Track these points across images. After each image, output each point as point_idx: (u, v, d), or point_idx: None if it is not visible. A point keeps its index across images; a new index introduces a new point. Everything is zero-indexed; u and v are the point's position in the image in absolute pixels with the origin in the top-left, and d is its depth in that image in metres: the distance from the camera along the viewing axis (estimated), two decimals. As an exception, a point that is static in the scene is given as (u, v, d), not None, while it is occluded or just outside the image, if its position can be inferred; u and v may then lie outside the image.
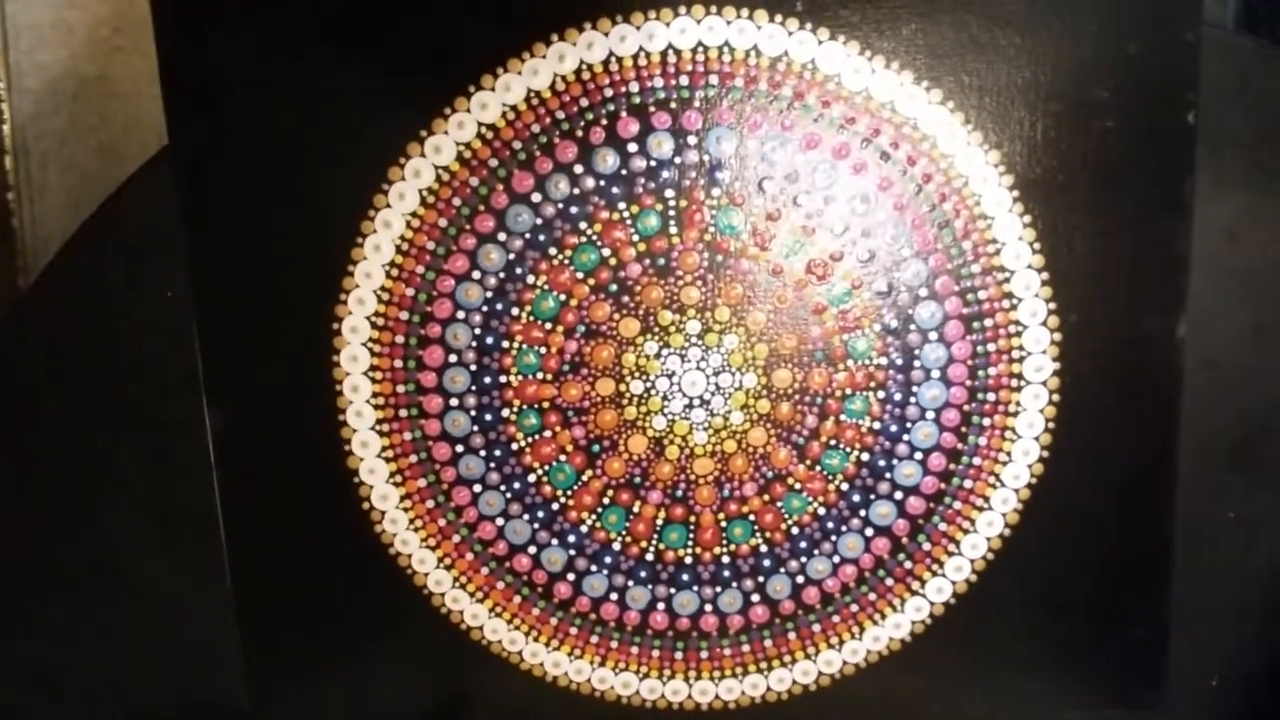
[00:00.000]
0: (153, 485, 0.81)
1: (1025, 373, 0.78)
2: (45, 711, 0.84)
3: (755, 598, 0.82)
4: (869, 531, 0.81)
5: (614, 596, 0.82)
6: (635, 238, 0.75)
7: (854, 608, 0.83)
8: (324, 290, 0.76)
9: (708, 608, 0.82)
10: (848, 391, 0.78)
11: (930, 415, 0.79)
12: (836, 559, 0.81)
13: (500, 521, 0.80)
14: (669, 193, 0.74)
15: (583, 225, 0.74)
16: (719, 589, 0.82)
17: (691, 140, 0.73)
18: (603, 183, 0.74)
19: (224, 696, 0.83)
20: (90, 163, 0.93)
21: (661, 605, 0.82)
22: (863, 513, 0.80)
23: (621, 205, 0.74)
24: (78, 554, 0.82)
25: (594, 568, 0.82)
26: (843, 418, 0.78)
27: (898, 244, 0.75)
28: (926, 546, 0.81)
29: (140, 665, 0.84)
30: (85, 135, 0.94)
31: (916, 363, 0.77)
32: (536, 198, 0.74)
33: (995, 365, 0.77)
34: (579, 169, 0.74)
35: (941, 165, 0.74)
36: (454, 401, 0.78)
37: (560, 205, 0.74)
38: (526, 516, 0.80)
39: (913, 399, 0.78)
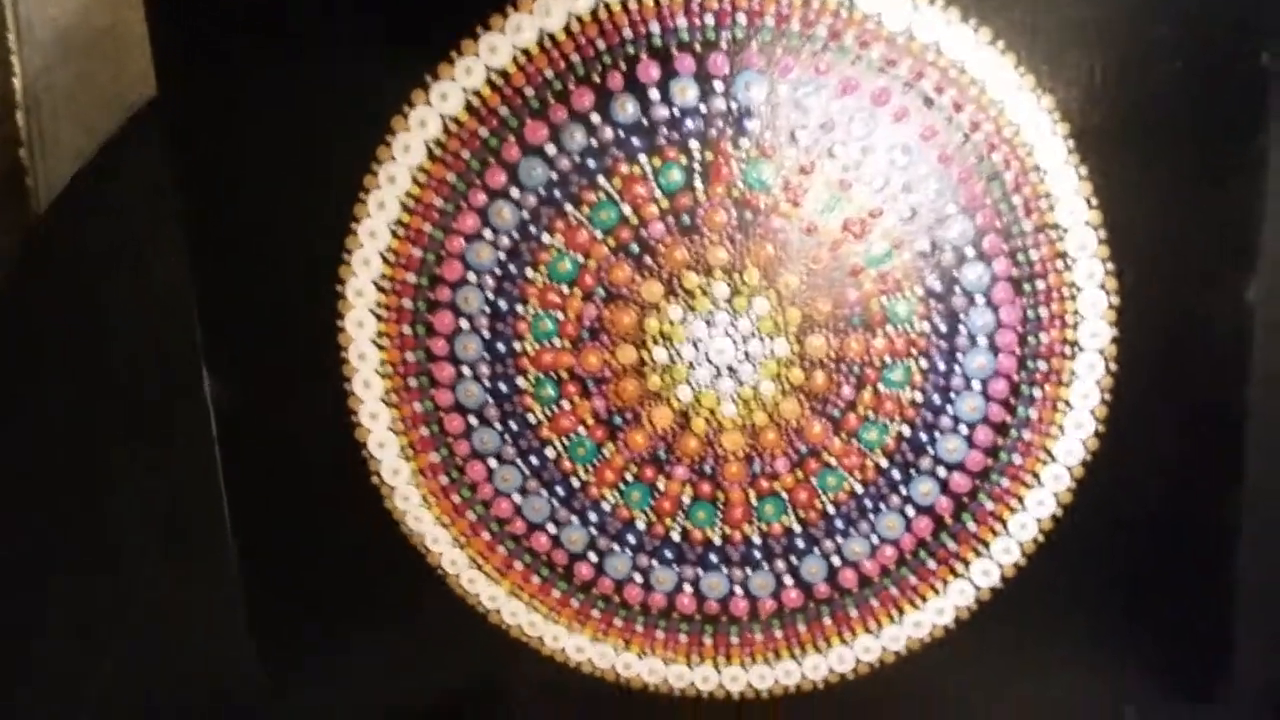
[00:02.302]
0: (155, 460, 0.81)
1: (1080, 339, 0.72)
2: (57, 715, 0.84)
3: (788, 580, 0.78)
4: (909, 510, 0.76)
5: (638, 578, 0.79)
6: (658, 193, 0.70)
7: (893, 591, 0.78)
8: (327, 252, 0.73)
9: (738, 590, 0.78)
10: (887, 360, 0.73)
11: (976, 386, 0.73)
12: (875, 539, 0.77)
13: (517, 498, 0.77)
14: (693, 144, 0.69)
15: (601, 180, 0.70)
16: (749, 571, 0.78)
17: (718, 86, 0.68)
18: (622, 133, 0.69)
19: (238, 689, 0.83)
20: (102, 117, 0.90)
21: (689, 587, 0.78)
22: (903, 490, 0.76)
23: (642, 158, 0.70)
24: (80, 544, 0.81)
25: (617, 547, 0.78)
26: (881, 388, 0.74)
27: (942, 199, 0.70)
28: (971, 527, 0.77)
29: (149, 657, 0.84)
30: (97, 88, 0.90)
31: (962, 328, 0.72)
32: (551, 150, 0.70)
33: (1047, 331, 0.72)
34: (596, 118, 0.69)
35: (990, 112, 0.69)
36: (466, 370, 0.74)
37: (576, 158, 0.70)
38: (545, 493, 0.77)
39: (957, 368, 0.73)
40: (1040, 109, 0.69)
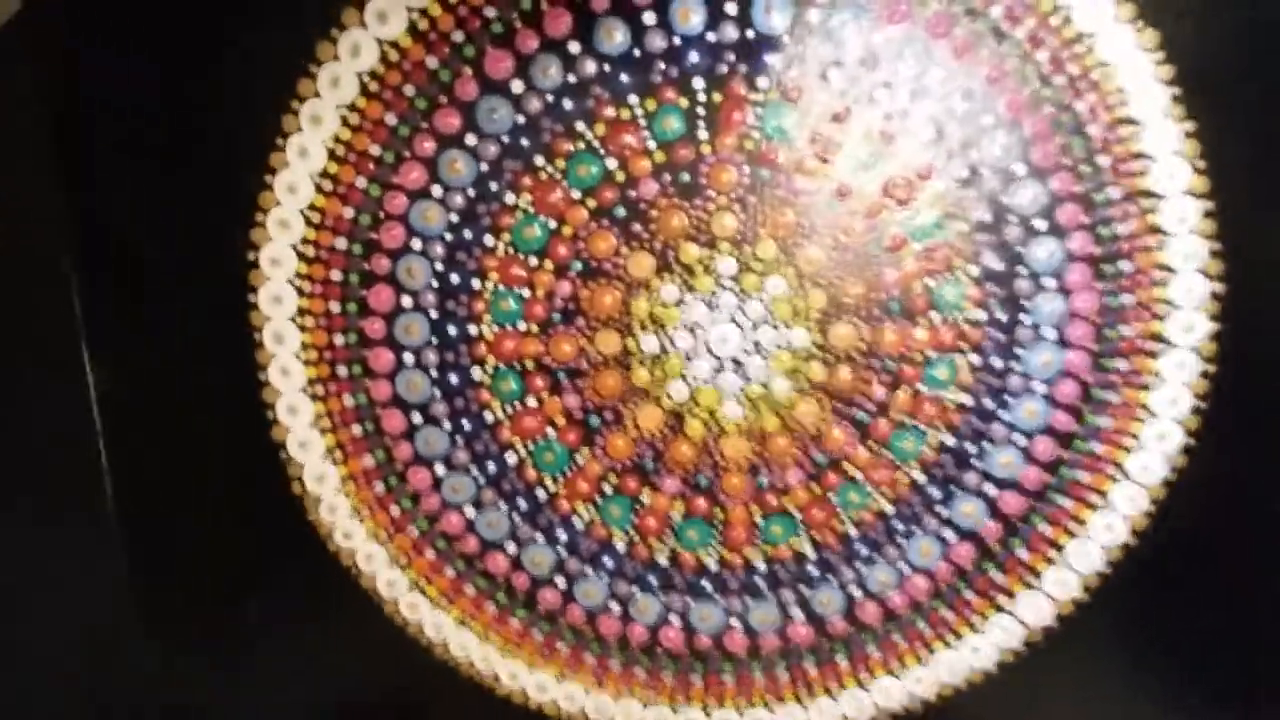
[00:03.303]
0: (32, 458, 0.75)
1: (1169, 333, 0.67)
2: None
3: (797, 613, 0.74)
4: (948, 534, 0.72)
5: (615, 607, 0.75)
6: (651, 144, 0.66)
7: (923, 628, 0.74)
8: (233, 208, 0.68)
9: (735, 624, 0.74)
10: (930, 354, 0.68)
11: (1038, 387, 0.69)
12: (904, 568, 0.73)
13: (470, 512, 0.73)
14: (697, 83, 0.65)
15: (580, 126, 0.66)
16: (750, 601, 0.74)
17: (730, 9, 0.64)
18: (608, 67, 0.65)
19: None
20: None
21: (676, 619, 0.74)
22: (942, 510, 0.71)
23: (633, 99, 0.65)
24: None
25: (590, 571, 0.74)
26: (921, 388, 0.69)
27: (1008, 158, 0.65)
28: (1023, 555, 0.72)
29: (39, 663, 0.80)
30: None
31: (1024, 318, 0.67)
32: (517, 87, 0.66)
33: (1130, 323, 0.67)
34: (575, 47, 0.65)
35: (1076, 49, 0.63)
36: (409, 358, 0.71)
37: (550, 98, 0.66)
38: (504, 506, 0.73)
39: (1016, 366, 0.68)
40: (1140, 46, 0.64)
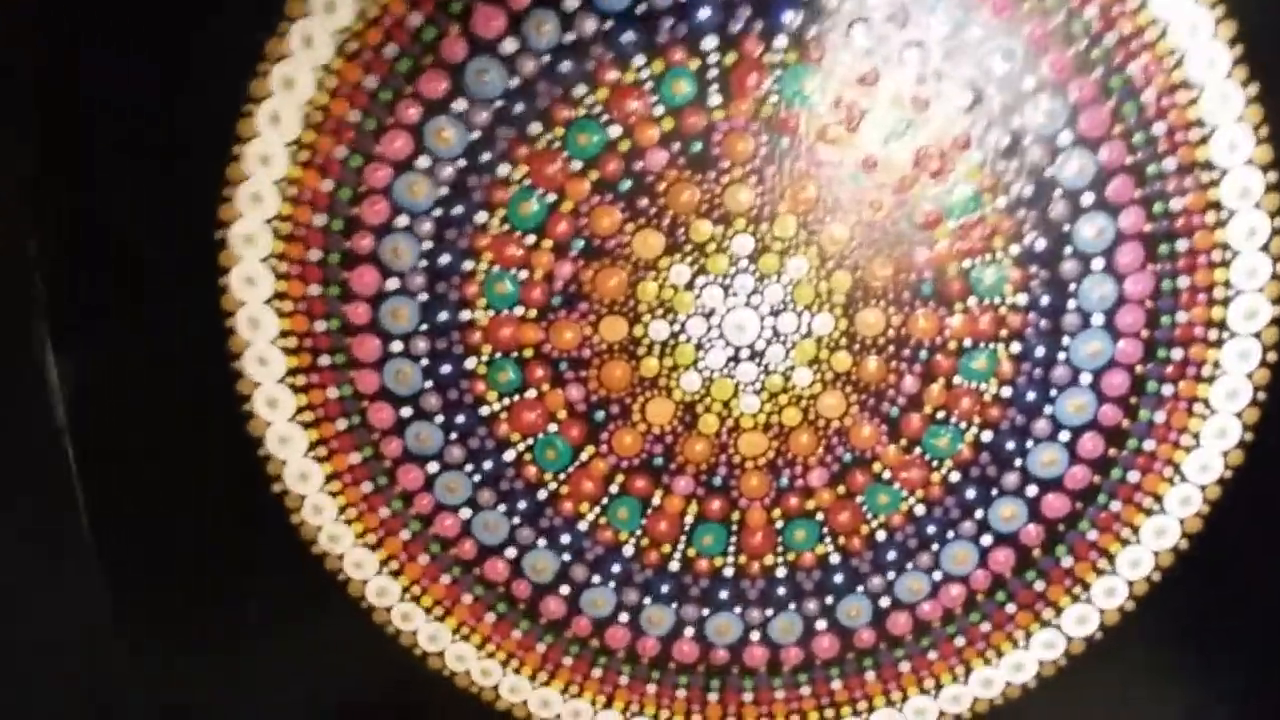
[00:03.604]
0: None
1: (1230, 320, 0.66)
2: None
3: (821, 624, 0.73)
4: (986, 539, 0.71)
5: (624, 617, 0.73)
6: (659, 110, 0.63)
7: (959, 641, 0.73)
8: (202, 181, 0.65)
9: (754, 636, 0.73)
10: (966, 343, 0.67)
11: (1086, 379, 0.67)
12: (938, 576, 0.71)
13: (466, 514, 0.71)
14: (708, 42, 0.62)
15: (580, 91, 0.63)
16: (770, 612, 0.72)
17: None
18: (610, 25, 0.62)
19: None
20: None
21: (690, 631, 0.73)
22: (979, 513, 0.70)
23: (638, 60, 0.62)
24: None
25: (597, 578, 0.72)
26: (958, 380, 0.68)
27: (1053, 125, 0.62)
28: (1067, 562, 0.71)
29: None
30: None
31: (1071, 303, 0.66)
32: (510, 46, 0.62)
33: (1187, 309, 0.66)
34: (573, 3, 0.62)
35: (1128, 4, 0.61)
36: (397, 346, 0.68)
37: (546, 59, 0.63)
38: (503, 507, 0.71)
39: (1062, 355, 0.67)
40: (1198, 1, 0.61)
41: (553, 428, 0.69)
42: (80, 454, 0.69)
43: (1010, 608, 0.72)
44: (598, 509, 0.70)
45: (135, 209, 0.65)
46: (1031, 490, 0.70)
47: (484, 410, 0.69)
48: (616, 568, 0.71)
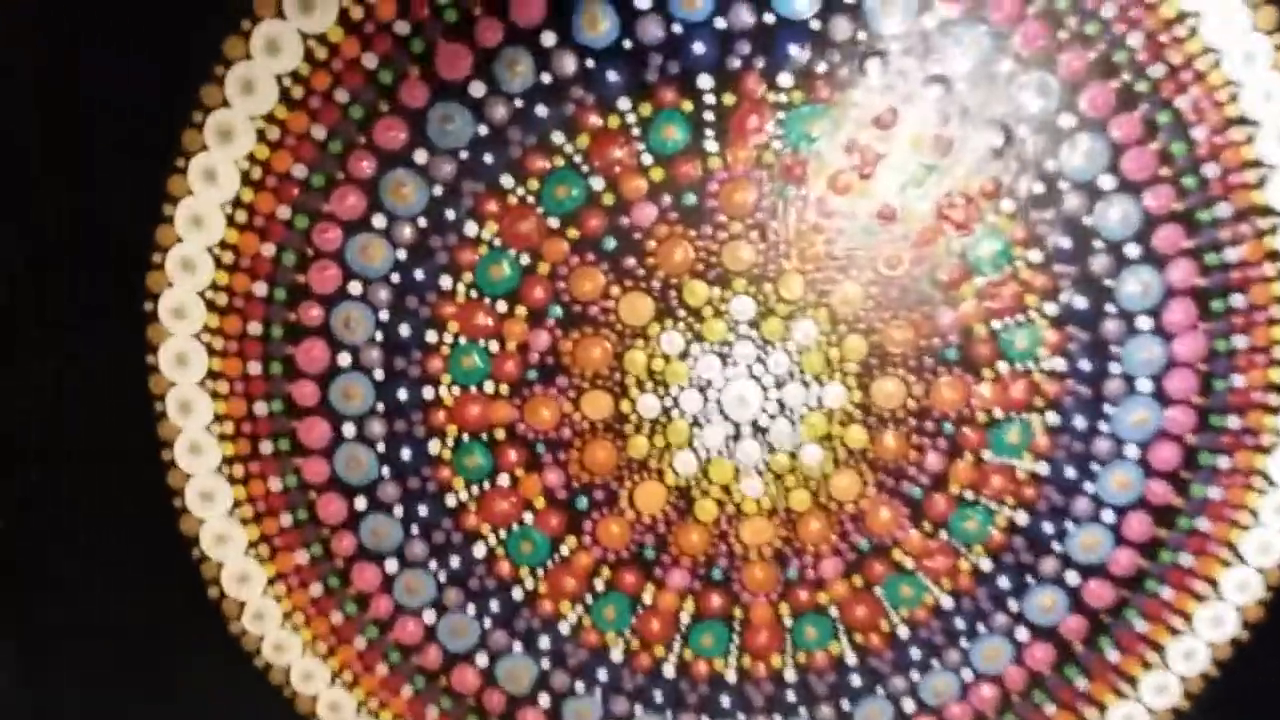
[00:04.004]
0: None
1: None
2: None
3: None
4: (1021, 633, 0.68)
5: None
6: (647, 159, 0.62)
7: None
8: (126, 248, 0.63)
9: None
10: (997, 414, 0.65)
11: (1132, 452, 0.65)
12: (968, 675, 0.68)
13: (430, 617, 0.68)
14: (704, 81, 0.60)
15: (558, 138, 0.61)
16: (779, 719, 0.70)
17: None
18: (591, 63, 0.60)
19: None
20: None
21: None
22: (1014, 604, 0.67)
23: (624, 103, 0.61)
24: None
25: (581, 687, 0.69)
26: (987, 456, 0.65)
27: (1093, 168, 0.60)
28: (1113, 657, 0.68)
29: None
30: None
31: (1114, 367, 0.63)
32: (477, 89, 0.61)
33: (1244, 372, 0.64)
34: (549, 38, 0.60)
35: (1176, 31, 0.59)
36: (350, 429, 0.65)
37: (518, 102, 0.61)
38: (472, 609, 0.68)
39: (1104, 426, 0.64)
40: (1256, 26, 0.59)
41: (529, 518, 0.66)
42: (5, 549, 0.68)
43: (1050, 709, 0.69)
44: (581, 608, 0.68)
45: (49, 278, 0.63)
46: (1072, 577, 0.67)
47: (450, 500, 0.66)
48: (603, 674, 0.68)
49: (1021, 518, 0.66)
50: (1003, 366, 0.64)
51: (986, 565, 0.67)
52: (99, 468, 0.67)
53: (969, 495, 0.66)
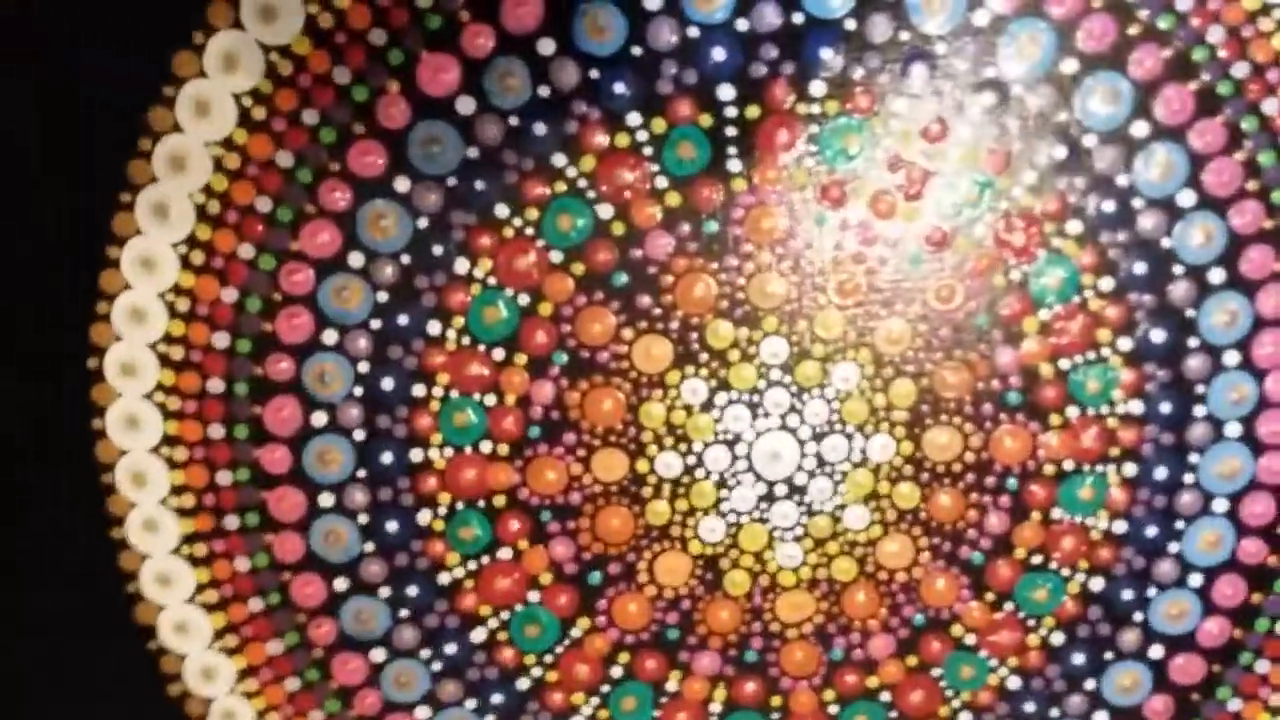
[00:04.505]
0: None
1: None
2: None
3: None
4: (1101, 717, 0.65)
5: None
6: (661, 182, 0.58)
7: None
8: (66, 296, 0.58)
9: None
10: (1067, 466, 0.61)
11: (1220, 506, 0.61)
12: None
13: (424, 713, 0.64)
14: (725, 91, 0.56)
15: (559, 160, 0.57)
16: None
17: None
18: (596, 72, 0.56)
19: None
20: None
21: None
22: (1090, 684, 0.64)
23: (634, 118, 0.57)
24: None
25: None
26: (1057, 514, 0.61)
27: (1171, 183, 0.57)
28: None
29: None
30: None
31: (1198, 410, 0.60)
32: (466, 106, 0.57)
33: None
34: (548, 46, 0.56)
35: (1261, 24, 0.55)
36: (327, 499, 0.61)
37: (514, 121, 0.57)
38: (472, 704, 0.64)
39: (1189, 477, 0.61)
40: None
41: (534, 597, 0.63)
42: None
43: (1135, 804, 0.62)
44: (596, 700, 0.64)
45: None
46: (1156, 651, 0.63)
47: (443, 578, 0.62)
48: (621, 775, 0.62)
49: (1097, 584, 0.62)
50: (1072, 411, 0.60)
51: (1058, 639, 0.63)
52: (41, 547, 0.62)
53: (1036, 560, 0.62)
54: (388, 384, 0.60)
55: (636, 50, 0.56)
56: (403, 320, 0.59)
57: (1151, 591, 0.62)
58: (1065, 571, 0.62)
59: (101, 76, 0.57)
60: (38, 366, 0.60)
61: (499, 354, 0.59)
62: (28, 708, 0.66)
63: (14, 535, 0.63)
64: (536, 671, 0.63)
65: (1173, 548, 0.62)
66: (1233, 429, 0.60)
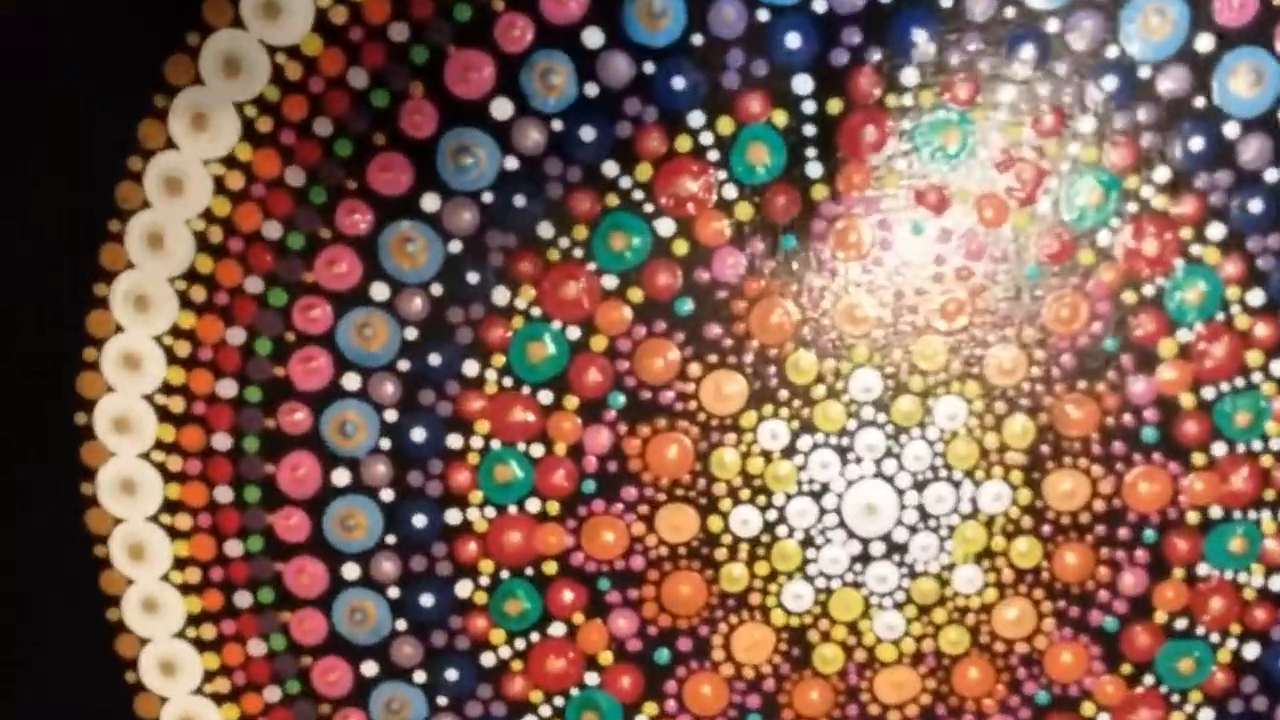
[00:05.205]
0: None
1: None
2: None
3: None
4: None
5: None
6: (730, 191, 0.53)
7: None
8: (50, 342, 0.55)
9: None
10: (1214, 513, 0.56)
11: None
12: None
13: None
14: (801, 83, 0.52)
15: (610, 169, 0.53)
16: None
17: None
18: (651, 66, 0.52)
19: None
20: None
21: None
22: None
23: (695, 118, 0.52)
24: None
25: None
26: (1203, 570, 0.57)
27: None
28: None
29: None
30: None
31: None
32: (503, 109, 0.52)
33: None
34: (595, 38, 0.52)
35: None
36: (352, 571, 0.56)
37: (558, 125, 0.52)
38: None
39: None
40: None
41: (592, 679, 0.58)
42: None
43: None
44: None
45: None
46: None
47: (487, 659, 0.57)
48: None
49: (1251, 650, 0.57)
50: (1219, 449, 0.55)
51: (1207, 717, 0.58)
52: (30, 630, 0.58)
53: (1181, 625, 0.58)
54: (419, 435, 0.55)
55: (697, 39, 0.51)
56: (435, 360, 0.55)
57: (1322, 659, 0.55)
58: (1214, 638, 0.58)
59: (86, 85, 0.52)
60: (20, 426, 0.56)
61: (546, 397, 0.55)
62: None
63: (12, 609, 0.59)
64: (596, 767, 0.58)
65: (1343, 608, 0.55)
66: None
